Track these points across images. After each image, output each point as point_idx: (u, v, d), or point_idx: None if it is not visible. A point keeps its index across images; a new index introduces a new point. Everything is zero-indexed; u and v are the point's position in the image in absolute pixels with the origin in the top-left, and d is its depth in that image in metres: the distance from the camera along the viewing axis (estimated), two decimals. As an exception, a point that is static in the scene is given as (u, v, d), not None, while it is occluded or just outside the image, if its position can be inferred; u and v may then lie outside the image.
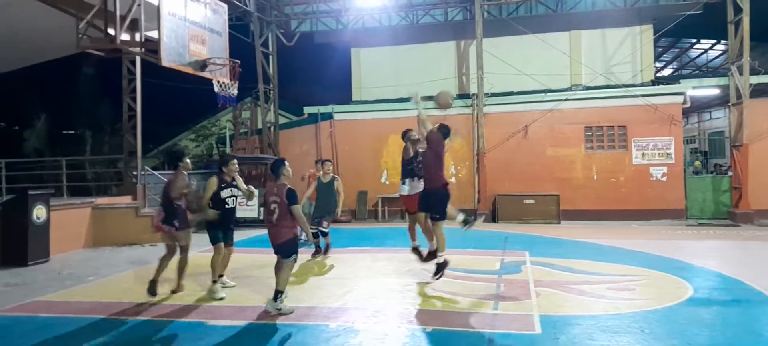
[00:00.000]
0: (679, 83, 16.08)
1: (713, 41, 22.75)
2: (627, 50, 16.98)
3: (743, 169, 14.42)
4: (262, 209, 15.04)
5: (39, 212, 9.68)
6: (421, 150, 7.65)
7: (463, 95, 17.47)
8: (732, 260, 9.31)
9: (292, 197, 6.10)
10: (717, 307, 6.24)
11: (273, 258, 6.27)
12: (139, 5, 8.34)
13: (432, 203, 7.16)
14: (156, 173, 14.32)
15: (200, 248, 9.29)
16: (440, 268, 7.19)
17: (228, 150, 21.23)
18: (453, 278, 7.82)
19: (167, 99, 23.75)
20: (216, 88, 9.71)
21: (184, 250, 7.11)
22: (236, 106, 18.74)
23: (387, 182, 17.16)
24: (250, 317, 5.97)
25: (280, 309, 6.03)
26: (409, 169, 7.85)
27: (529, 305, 6.26)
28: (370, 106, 18.14)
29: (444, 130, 7.40)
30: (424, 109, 7.79)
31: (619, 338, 5.06)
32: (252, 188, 7.64)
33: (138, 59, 12.68)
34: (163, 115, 25.14)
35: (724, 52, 21.85)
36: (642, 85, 16.35)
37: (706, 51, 24.55)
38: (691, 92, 15.66)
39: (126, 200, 12.78)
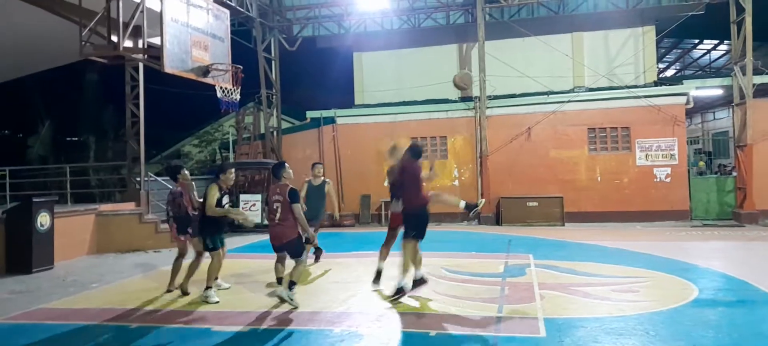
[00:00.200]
0: (682, 84, 16.03)
1: (716, 41, 22.71)
2: (629, 51, 16.96)
3: (747, 169, 14.37)
4: (264, 214, 15.08)
5: (43, 219, 9.70)
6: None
7: (465, 98, 17.48)
8: (737, 261, 9.27)
9: (294, 195, 6.42)
10: (722, 308, 6.21)
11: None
12: (141, 12, 8.36)
13: (411, 223, 6.85)
14: (160, 179, 14.35)
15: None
16: (399, 292, 6.71)
17: (231, 156, 21.26)
18: (457, 281, 7.82)
19: (170, 105, 23.84)
20: (219, 94, 9.72)
21: (199, 255, 7.48)
22: (239, 111, 18.74)
23: (387, 185, 17.16)
24: (255, 322, 5.97)
25: (291, 299, 6.39)
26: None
27: (534, 308, 6.24)
28: (373, 109, 18.17)
29: (414, 152, 7.08)
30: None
31: (624, 341, 5.04)
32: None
33: (141, 66, 12.71)
34: (167, 121, 25.24)
35: (727, 52, 21.84)
36: (645, 86, 16.32)
37: (708, 51, 24.51)
38: (694, 93, 15.61)
39: (130, 206, 12.80)
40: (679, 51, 25.19)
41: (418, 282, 6.83)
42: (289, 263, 6.84)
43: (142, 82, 13.09)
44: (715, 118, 24.21)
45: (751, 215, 14.18)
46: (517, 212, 15.47)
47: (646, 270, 8.27)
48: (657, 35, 16.92)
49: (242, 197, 15.14)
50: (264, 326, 5.86)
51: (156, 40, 8.63)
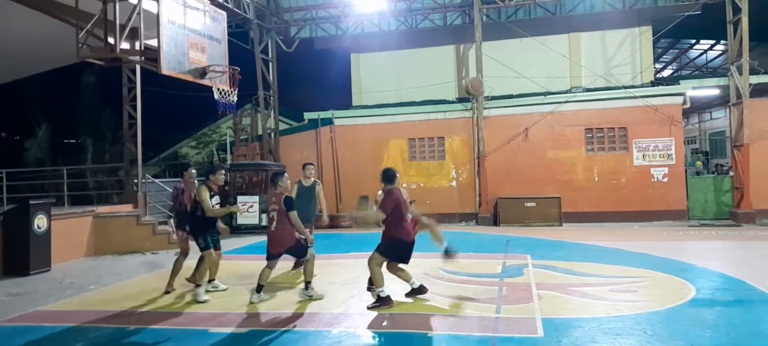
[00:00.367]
0: (679, 84, 16.07)
1: (712, 42, 22.78)
2: (626, 52, 17.00)
3: (744, 169, 14.40)
4: (263, 216, 15.08)
5: (40, 222, 9.68)
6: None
7: (462, 99, 17.50)
8: (734, 261, 9.29)
9: (288, 203, 6.73)
10: (720, 308, 6.22)
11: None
12: (138, 14, 8.35)
13: (388, 246, 6.57)
14: (157, 180, 14.34)
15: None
16: (382, 302, 6.47)
17: (229, 157, 21.25)
18: (455, 282, 7.82)
19: (168, 107, 23.82)
20: (216, 96, 9.69)
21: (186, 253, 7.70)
22: (236, 112, 18.76)
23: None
24: (253, 324, 5.98)
25: (311, 296, 6.89)
26: None
27: (532, 308, 6.25)
28: (371, 111, 18.17)
29: (385, 176, 6.70)
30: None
31: (621, 340, 5.05)
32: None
33: (138, 68, 12.71)
34: (164, 123, 25.24)
35: (724, 52, 21.89)
36: (642, 86, 16.35)
37: (705, 51, 24.58)
38: (691, 93, 15.66)
39: (127, 208, 12.79)
40: (675, 51, 25.27)
41: (383, 299, 6.48)
42: (283, 265, 6.92)
43: (139, 84, 13.08)
44: (711, 118, 24.27)
45: (748, 214, 14.21)
46: (515, 212, 15.49)
47: (644, 270, 8.28)
48: (654, 35, 16.97)
49: (240, 198, 15.13)
50: (262, 328, 5.86)
51: (153, 42, 8.62)
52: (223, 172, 7.51)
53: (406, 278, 6.77)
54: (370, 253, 6.70)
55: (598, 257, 9.70)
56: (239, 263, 10.11)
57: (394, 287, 6.89)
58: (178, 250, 8.04)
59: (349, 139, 17.83)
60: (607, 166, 15.83)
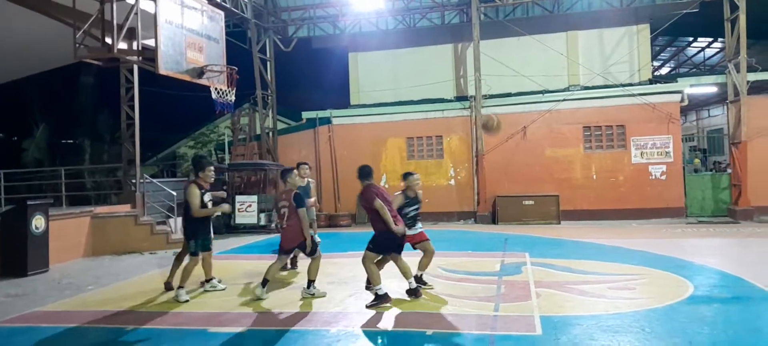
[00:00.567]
0: (677, 82, 16.08)
1: (710, 39, 22.80)
2: (624, 50, 17.01)
3: (742, 166, 14.43)
4: (261, 215, 15.08)
5: (38, 222, 9.67)
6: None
7: (461, 97, 17.51)
8: (732, 258, 9.30)
9: (298, 199, 6.85)
10: (718, 305, 6.23)
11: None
12: (135, 14, 8.34)
13: (375, 239, 6.64)
14: (155, 180, 14.31)
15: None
16: (377, 299, 6.48)
17: (227, 157, 21.22)
18: (453, 280, 7.84)
19: (166, 107, 23.79)
20: (213, 95, 9.69)
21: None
22: (234, 112, 18.77)
23: (386, 186, 17.15)
24: (251, 323, 5.97)
25: (313, 294, 6.96)
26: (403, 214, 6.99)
27: (530, 306, 6.25)
28: (369, 110, 18.17)
29: (360, 173, 6.81)
30: None
31: (620, 338, 5.06)
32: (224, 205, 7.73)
33: (135, 68, 12.69)
34: (162, 123, 25.18)
35: (721, 49, 21.92)
36: (640, 84, 16.36)
37: (703, 49, 24.61)
38: (688, 90, 15.67)
39: (125, 208, 12.77)
40: (673, 49, 25.28)
41: (381, 297, 6.47)
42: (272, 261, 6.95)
43: (137, 85, 13.06)
44: (709, 116, 24.32)
45: (746, 211, 14.24)
46: (513, 210, 15.50)
47: (642, 267, 8.30)
48: (651, 33, 16.99)
49: (238, 198, 15.12)
50: (260, 327, 5.86)
51: (150, 42, 8.61)
52: (212, 167, 7.41)
53: (406, 270, 6.71)
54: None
55: (596, 254, 9.71)
56: (238, 263, 10.12)
57: (393, 287, 6.89)
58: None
59: (348, 139, 17.83)
60: (605, 164, 15.84)
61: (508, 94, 16.85)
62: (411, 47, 18.73)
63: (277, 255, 7.19)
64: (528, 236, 12.74)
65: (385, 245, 6.67)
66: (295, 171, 7.30)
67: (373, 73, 19.12)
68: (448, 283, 7.63)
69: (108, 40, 8.32)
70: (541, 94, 16.38)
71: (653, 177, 15.41)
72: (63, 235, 10.78)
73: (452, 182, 17.07)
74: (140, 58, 8.94)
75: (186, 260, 7.42)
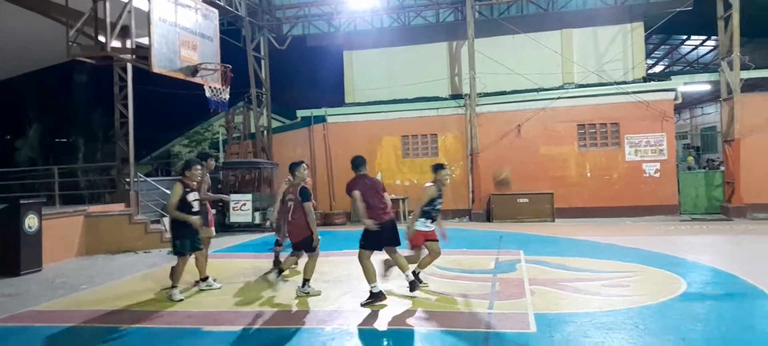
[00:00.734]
0: (671, 80, 16.12)
1: (704, 37, 22.90)
2: (618, 48, 17.06)
3: (735, 163, 14.50)
4: (256, 214, 15.05)
5: (31, 221, 9.61)
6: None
7: (455, 96, 17.53)
8: (725, 255, 9.36)
9: (303, 193, 6.88)
10: (711, 301, 6.26)
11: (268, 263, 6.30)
12: (129, 12, 8.30)
13: (367, 237, 6.68)
14: (149, 179, 14.26)
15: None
16: (375, 297, 6.47)
17: (221, 155, 21.17)
18: (448, 278, 7.85)
19: (159, 105, 23.66)
20: (207, 94, 9.66)
21: (204, 245, 7.68)
22: (229, 110, 18.68)
23: (381, 184, 17.18)
24: (246, 323, 5.95)
25: (308, 292, 6.93)
26: (426, 212, 7.20)
27: (524, 303, 6.27)
28: (363, 108, 18.16)
29: (353, 164, 7.11)
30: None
31: (614, 335, 5.08)
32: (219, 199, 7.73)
33: (129, 66, 12.62)
34: (156, 122, 25.05)
35: (715, 48, 22.00)
36: (634, 82, 16.41)
37: (696, 47, 24.71)
38: (682, 88, 15.73)
39: (119, 207, 12.72)
40: (667, 47, 25.38)
41: (376, 295, 6.48)
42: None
43: (131, 83, 13.01)
44: (703, 114, 24.41)
45: (739, 208, 14.31)
46: (508, 208, 15.53)
47: (636, 265, 8.33)
48: (645, 31, 17.05)
49: (233, 196, 15.09)
50: (255, 326, 5.85)
51: (144, 40, 8.57)
52: (200, 167, 7.29)
53: (403, 265, 6.71)
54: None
55: (590, 252, 9.75)
56: (233, 262, 10.10)
57: (390, 285, 6.90)
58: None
59: (342, 137, 17.81)
60: (599, 162, 15.89)
61: (503, 92, 16.87)
62: (406, 45, 18.73)
63: (272, 254, 7.16)
64: (522, 233, 12.77)
65: (375, 241, 6.67)
66: (304, 164, 7.23)
67: (367, 72, 19.11)
68: (443, 281, 7.65)
69: (101, 39, 8.29)
70: (535, 92, 16.41)
71: (647, 175, 15.47)
72: (56, 234, 10.73)
73: (447, 179, 17.04)
74: (134, 56, 8.91)
75: (175, 261, 7.32)
